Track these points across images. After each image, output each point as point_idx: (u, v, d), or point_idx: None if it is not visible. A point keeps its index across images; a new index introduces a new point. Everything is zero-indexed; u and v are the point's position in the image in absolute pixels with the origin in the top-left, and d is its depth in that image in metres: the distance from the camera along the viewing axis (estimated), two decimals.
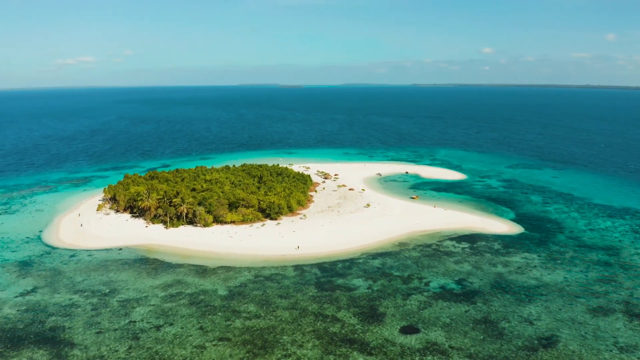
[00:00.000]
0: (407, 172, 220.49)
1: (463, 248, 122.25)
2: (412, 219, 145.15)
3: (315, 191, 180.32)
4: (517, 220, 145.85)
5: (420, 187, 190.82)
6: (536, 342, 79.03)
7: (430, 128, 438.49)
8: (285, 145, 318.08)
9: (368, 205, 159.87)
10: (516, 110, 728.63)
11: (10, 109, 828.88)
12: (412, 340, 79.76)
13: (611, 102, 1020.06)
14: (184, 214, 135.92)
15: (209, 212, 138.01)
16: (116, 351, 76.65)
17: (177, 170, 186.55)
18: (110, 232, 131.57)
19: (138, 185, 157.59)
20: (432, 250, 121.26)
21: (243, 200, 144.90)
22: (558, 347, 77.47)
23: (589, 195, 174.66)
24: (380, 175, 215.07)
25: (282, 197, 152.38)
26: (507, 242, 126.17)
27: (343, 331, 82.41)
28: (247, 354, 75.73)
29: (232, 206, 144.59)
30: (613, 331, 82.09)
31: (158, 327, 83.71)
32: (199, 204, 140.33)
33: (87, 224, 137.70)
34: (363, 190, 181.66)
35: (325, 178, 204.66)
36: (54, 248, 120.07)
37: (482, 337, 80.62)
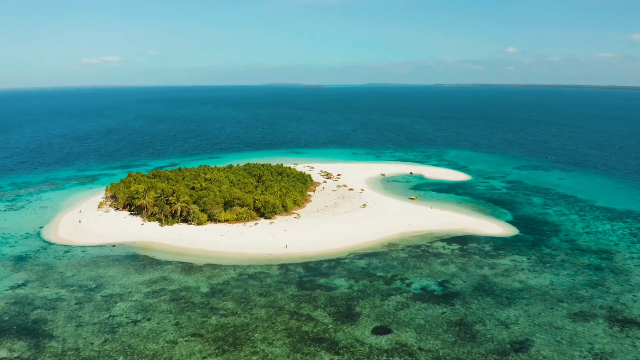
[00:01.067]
0: (411, 173, 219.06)
1: (452, 249, 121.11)
2: (406, 219, 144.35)
3: (314, 191, 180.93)
4: (514, 222, 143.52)
5: (422, 188, 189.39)
6: (508, 346, 77.99)
7: (445, 128, 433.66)
8: (295, 145, 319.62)
9: (364, 205, 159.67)
10: (536, 111, 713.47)
11: (33, 107, 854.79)
12: (382, 340, 79.70)
13: (635, 103, 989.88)
14: (179, 212, 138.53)
15: (203, 210, 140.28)
16: (91, 344, 78.91)
17: (179, 169, 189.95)
18: (107, 229, 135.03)
19: (139, 184, 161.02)
20: (420, 251, 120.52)
21: (238, 199, 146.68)
22: (530, 351, 76.23)
23: (593, 197, 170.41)
24: (384, 175, 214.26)
25: (278, 196, 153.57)
26: (499, 244, 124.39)
27: (315, 330, 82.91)
28: (216, 350, 77.07)
29: (228, 205, 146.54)
30: (591, 337, 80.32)
31: (135, 322, 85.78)
32: (194, 202, 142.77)
33: (86, 221, 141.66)
34: (362, 190, 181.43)
35: (328, 178, 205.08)
36: (50, 244, 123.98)
37: (453, 339, 79.98)
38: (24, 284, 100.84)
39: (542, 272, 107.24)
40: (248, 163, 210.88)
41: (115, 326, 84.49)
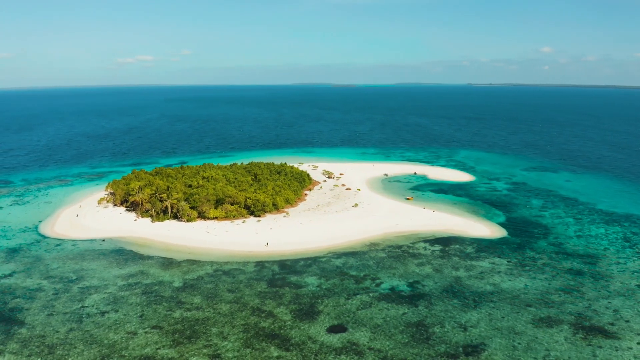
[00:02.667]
0: (415, 173, 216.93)
1: (433, 251, 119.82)
2: (395, 219, 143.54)
3: (311, 189, 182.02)
4: (505, 224, 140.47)
5: (421, 188, 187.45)
6: (460, 349, 76.98)
7: (464, 129, 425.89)
8: (308, 145, 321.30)
9: (356, 205, 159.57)
10: (564, 112, 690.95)
11: (63, 105, 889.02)
12: (334, 339, 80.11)
13: None
14: (169, 209, 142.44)
15: (193, 207, 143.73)
16: (57, 332, 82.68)
17: (181, 166, 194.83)
18: (101, 224, 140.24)
19: (139, 181, 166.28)
20: (400, 251, 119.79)
21: (229, 197, 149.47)
22: (481, 356, 75.00)
23: (595, 200, 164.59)
24: (387, 175, 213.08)
25: (270, 195, 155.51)
26: (482, 246, 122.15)
27: (272, 327, 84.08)
28: (171, 342, 79.35)
29: (219, 202, 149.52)
30: (550, 344, 78.25)
31: (103, 313, 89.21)
32: (186, 200, 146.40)
33: (83, 216, 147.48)
34: (359, 190, 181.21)
35: (329, 177, 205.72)
36: (45, 237, 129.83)
37: (406, 340, 79.56)
38: (10, 274, 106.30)
39: (518, 275, 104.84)
40: (252, 162, 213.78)
41: (83, 316, 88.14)
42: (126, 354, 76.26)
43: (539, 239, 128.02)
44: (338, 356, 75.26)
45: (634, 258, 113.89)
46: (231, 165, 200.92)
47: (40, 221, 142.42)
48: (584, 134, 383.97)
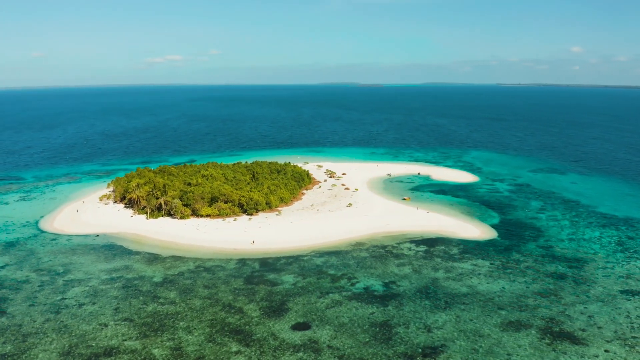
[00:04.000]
0: (419, 174, 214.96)
1: (417, 251, 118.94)
2: (386, 219, 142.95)
3: (310, 189, 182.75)
4: (498, 225, 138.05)
5: (422, 189, 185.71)
6: (419, 350, 76.53)
7: (481, 130, 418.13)
8: (319, 145, 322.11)
9: (350, 205, 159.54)
10: (588, 113, 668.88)
11: (89, 104, 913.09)
12: (296, 336, 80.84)
13: None
14: (163, 206, 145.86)
15: (187, 205, 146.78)
16: (34, 322, 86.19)
17: (184, 164, 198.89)
18: (98, 219, 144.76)
19: (141, 178, 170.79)
20: (384, 251, 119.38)
21: (223, 195, 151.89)
22: (438, 358, 74.31)
23: (597, 203, 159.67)
24: (390, 175, 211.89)
25: (264, 193, 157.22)
26: (469, 248, 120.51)
27: (238, 322, 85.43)
28: (137, 334, 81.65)
29: (214, 201, 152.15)
30: (513, 348, 76.85)
31: (81, 305, 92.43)
32: (180, 197, 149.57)
33: (84, 211, 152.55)
34: (357, 190, 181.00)
35: (330, 177, 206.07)
36: (42, 232, 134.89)
37: (367, 340, 79.58)
38: (2, 267, 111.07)
39: (498, 278, 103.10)
40: (256, 161, 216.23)
41: (62, 307, 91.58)
42: (93, 344, 79.03)
43: (529, 241, 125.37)
44: (295, 353, 76.06)
45: (623, 263, 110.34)
46: (234, 164, 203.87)
47: (41, 216, 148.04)
48: (603, 135, 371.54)
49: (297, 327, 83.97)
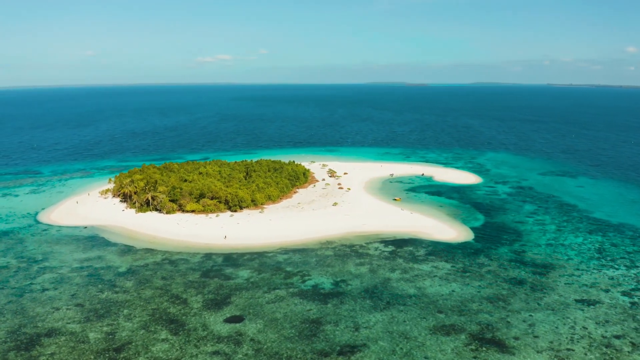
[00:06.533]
0: (422, 174, 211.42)
1: (383, 251, 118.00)
2: (366, 219, 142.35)
3: (305, 187, 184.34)
4: (479, 228, 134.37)
5: (418, 190, 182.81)
6: (337, 348, 76.63)
7: (511, 131, 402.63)
8: (336, 144, 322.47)
9: (335, 204, 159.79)
10: (634, 115, 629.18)
11: (130, 103, 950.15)
12: (225, 328, 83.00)
13: None
14: (151, 201, 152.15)
15: (174, 200, 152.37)
16: None
17: (187, 162, 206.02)
18: (92, 212, 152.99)
19: (141, 174, 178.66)
20: (350, 250, 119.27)
21: (211, 191, 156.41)
22: (352, 357, 74.16)
23: (594, 208, 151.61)
24: (392, 175, 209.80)
25: (250, 191, 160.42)
26: (437, 250, 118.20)
27: (177, 312, 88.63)
28: (82, 319, 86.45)
29: (202, 197, 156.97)
30: (433, 352, 75.33)
31: (44, 290, 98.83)
32: (170, 193, 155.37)
33: (83, 204, 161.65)
34: (349, 189, 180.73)
35: (330, 176, 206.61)
36: (38, 223, 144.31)
37: (291, 335, 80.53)
38: None
39: (453, 281, 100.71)
40: (260, 159, 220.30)
41: (26, 291, 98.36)
42: (39, 325, 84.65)
43: (504, 245, 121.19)
44: (217, 344, 78.25)
45: (593, 271, 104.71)
46: (235, 162, 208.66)
47: (42, 208, 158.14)
48: (637, 138, 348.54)
49: (231, 319, 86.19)
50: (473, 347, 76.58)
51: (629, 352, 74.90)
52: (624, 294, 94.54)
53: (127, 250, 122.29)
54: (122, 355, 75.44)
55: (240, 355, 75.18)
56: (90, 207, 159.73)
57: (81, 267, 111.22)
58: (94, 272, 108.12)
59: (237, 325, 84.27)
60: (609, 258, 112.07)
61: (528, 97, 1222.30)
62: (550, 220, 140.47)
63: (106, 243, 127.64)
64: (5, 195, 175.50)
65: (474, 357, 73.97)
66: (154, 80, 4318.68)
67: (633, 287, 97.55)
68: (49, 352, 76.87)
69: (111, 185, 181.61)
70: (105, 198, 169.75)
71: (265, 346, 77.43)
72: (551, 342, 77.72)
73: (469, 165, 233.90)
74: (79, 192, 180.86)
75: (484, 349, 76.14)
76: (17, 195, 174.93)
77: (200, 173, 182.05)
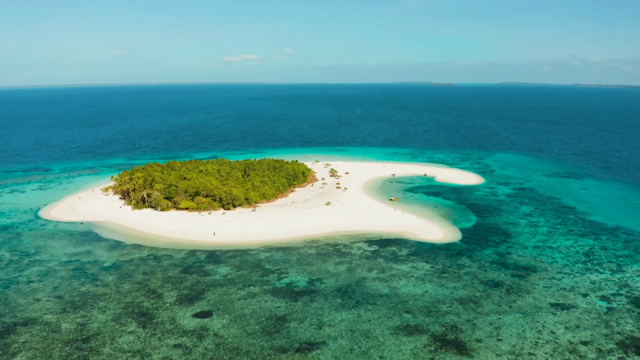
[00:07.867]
0: (425, 175, 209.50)
1: (365, 251, 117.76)
2: (356, 219, 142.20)
3: (301, 186, 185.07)
4: (468, 229, 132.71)
5: (417, 190, 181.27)
6: (296, 345, 77.19)
7: (527, 133, 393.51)
8: (345, 144, 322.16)
9: (329, 203, 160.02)
10: None
11: (151, 102, 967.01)
12: (192, 322, 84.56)
13: None
14: (147, 198, 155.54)
15: (168, 198, 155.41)
16: None
17: (190, 160, 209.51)
18: (91, 208, 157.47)
19: (143, 172, 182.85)
20: (333, 249, 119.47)
21: (205, 190, 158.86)
22: (309, 354, 74.65)
23: (593, 211, 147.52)
24: (394, 175, 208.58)
25: (245, 189, 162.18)
26: (420, 250, 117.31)
27: (150, 307, 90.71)
28: (59, 309, 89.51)
29: (197, 194, 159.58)
30: (390, 352, 75.09)
31: (29, 282, 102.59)
32: (166, 191, 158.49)
33: (84, 201, 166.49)
34: (346, 189, 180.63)
35: (331, 176, 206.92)
36: (37, 218, 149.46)
37: (254, 331, 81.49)
38: None
39: (429, 281, 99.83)
40: (264, 158, 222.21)
41: (13, 283, 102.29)
42: (18, 315, 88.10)
43: (489, 247, 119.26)
44: (180, 338, 79.82)
45: (576, 275, 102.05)
46: (235, 161, 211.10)
47: (45, 204, 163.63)
48: None
49: (199, 315, 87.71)
50: (432, 349, 75.90)
51: (593, 358, 73.00)
52: (602, 298, 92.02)
53: (116, 245, 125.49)
54: (88, 345, 77.88)
55: (200, 349, 76.60)
56: (90, 203, 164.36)
57: (69, 261, 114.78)
58: (80, 266, 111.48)
59: (205, 320, 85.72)
60: (595, 262, 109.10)
61: (554, 98, 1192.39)
62: (544, 222, 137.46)
63: (98, 238, 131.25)
64: (13, 191, 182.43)
65: (430, 358, 73.44)
66: (181, 80, 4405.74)
67: (614, 292, 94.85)
68: (22, 341, 79.99)
69: (113, 183, 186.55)
70: (106, 195, 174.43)
71: (227, 341, 78.60)
72: (513, 346, 76.34)
73: (474, 166, 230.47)
74: (83, 189, 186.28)
75: (442, 350, 75.38)
76: (23, 192, 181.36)
77: (200, 171, 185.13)
